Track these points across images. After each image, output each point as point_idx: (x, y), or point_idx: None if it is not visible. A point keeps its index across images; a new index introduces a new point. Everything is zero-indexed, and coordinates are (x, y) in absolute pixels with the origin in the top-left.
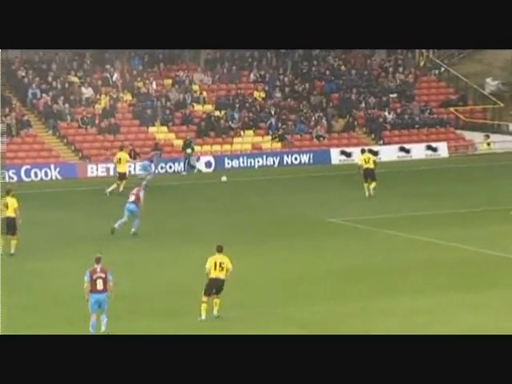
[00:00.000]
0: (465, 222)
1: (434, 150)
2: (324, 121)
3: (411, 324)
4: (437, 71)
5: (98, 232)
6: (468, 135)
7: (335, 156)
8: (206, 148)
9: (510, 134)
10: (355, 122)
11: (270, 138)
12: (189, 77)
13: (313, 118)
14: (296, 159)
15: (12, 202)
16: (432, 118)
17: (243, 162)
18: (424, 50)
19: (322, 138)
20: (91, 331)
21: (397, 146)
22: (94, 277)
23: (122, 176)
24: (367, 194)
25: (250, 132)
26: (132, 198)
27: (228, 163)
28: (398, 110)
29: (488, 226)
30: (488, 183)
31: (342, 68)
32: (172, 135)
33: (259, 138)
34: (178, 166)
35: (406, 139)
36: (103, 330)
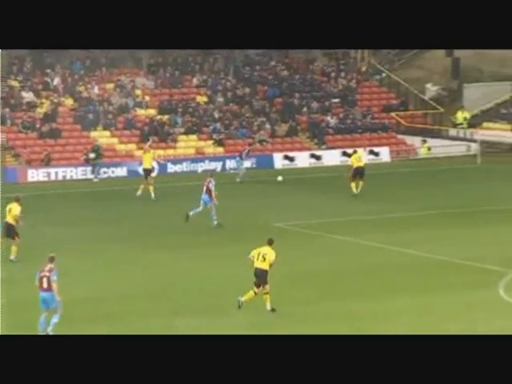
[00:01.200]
0: (407, 225)
1: (376, 154)
2: (267, 125)
3: (357, 327)
4: (378, 76)
5: (44, 238)
6: (409, 140)
7: (278, 161)
8: None
9: (450, 139)
10: (298, 127)
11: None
12: (131, 81)
13: (255, 123)
14: None
15: (14, 208)
16: (374, 122)
17: (186, 167)
18: (365, 56)
19: (265, 143)
20: (39, 330)
21: (339, 151)
22: (41, 275)
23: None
24: (354, 191)
25: (194, 137)
26: (204, 188)
27: (171, 168)
28: (341, 115)
29: (429, 229)
30: (428, 188)
31: (285, 73)
32: (115, 140)
33: (202, 143)
34: (121, 171)
35: (349, 144)
36: (48, 330)
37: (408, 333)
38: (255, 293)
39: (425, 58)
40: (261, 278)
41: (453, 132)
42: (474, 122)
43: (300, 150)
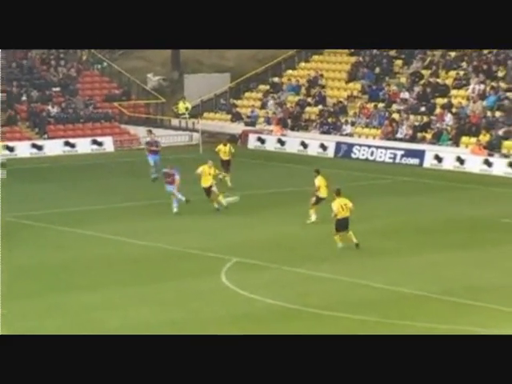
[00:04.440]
0: (133, 216)
1: (100, 144)
2: None
3: (87, 320)
4: (99, 66)
5: None
6: (132, 130)
7: None
8: None
9: (173, 129)
10: (18, 116)
11: None
12: None
13: None
14: None
15: None
16: (97, 112)
17: None
18: None
19: None
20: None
21: (62, 141)
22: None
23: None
24: (229, 184)
25: None
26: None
27: None
28: (62, 105)
29: (153, 220)
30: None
31: (3, 61)
32: None
33: None
34: None
35: (71, 134)
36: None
37: (141, 323)
38: (338, 236)
39: (145, 50)
40: (348, 224)
41: (175, 122)
42: (195, 112)
43: (20, 139)
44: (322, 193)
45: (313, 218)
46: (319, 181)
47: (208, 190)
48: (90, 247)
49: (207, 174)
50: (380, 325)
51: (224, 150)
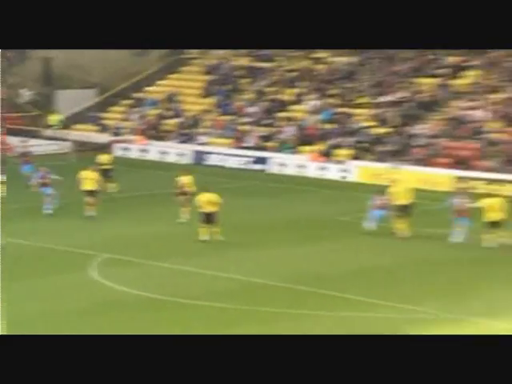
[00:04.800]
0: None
1: None
2: None
3: None
4: None
5: None
6: (9, 139)
7: None
8: None
9: (47, 139)
10: None
11: None
12: None
13: None
14: None
15: None
16: None
17: None
18: None
19: None
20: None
21: None
22: None
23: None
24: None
25: None
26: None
27: None
28: None
29: (24, 221)
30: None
31: None
32: None
33: None
34: None
35: None
36: None
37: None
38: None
39: (20, 66)
40: (213, 218)
41: (49, 132)
42: (67, 124)
43: None
44: (191, 189)
45: (184, 217)
46: (187, 179)
47: (89, 193)
48: None
49: (88, 178)
50: (238, 311)
51: (103, 160)
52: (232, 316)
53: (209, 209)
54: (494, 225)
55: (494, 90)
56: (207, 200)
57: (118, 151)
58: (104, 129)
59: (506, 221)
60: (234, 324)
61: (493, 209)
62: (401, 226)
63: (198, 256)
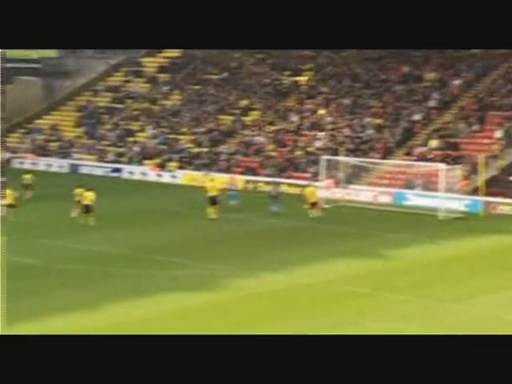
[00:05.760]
0: None
1: None
2: None
3: None
4: None
5: None
6: None
7: None
8: None
9: None
10: None
11: None
12: None
13: None
14: None
15: None
16: None
17: None
18: None
19: None
20: None
21: None
22: None
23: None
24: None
25: None
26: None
27: None
28: None
29: None
30: None
31: None
32: None
33: None
34: None
35: None
36: None
37: None
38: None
39: None
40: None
41: None
42: None
43: None
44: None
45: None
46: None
47: None
48: None
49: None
50: (93, 272)
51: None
52: (88, 276)
53: (87, 202)
54: (314, 205)
55: (270, 124)
56: (88, 195)
57: (15, 164)
58: (7, 148)
59: (319, 202)
60: (91, 280)
61: (312, 194)
62: (211, 211)
63: (78, 235)
